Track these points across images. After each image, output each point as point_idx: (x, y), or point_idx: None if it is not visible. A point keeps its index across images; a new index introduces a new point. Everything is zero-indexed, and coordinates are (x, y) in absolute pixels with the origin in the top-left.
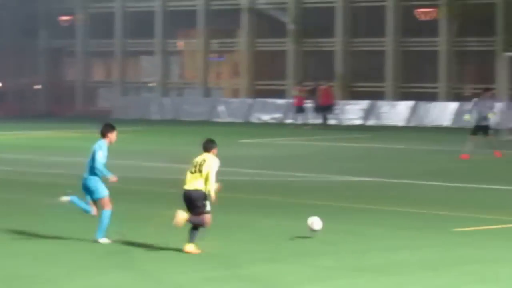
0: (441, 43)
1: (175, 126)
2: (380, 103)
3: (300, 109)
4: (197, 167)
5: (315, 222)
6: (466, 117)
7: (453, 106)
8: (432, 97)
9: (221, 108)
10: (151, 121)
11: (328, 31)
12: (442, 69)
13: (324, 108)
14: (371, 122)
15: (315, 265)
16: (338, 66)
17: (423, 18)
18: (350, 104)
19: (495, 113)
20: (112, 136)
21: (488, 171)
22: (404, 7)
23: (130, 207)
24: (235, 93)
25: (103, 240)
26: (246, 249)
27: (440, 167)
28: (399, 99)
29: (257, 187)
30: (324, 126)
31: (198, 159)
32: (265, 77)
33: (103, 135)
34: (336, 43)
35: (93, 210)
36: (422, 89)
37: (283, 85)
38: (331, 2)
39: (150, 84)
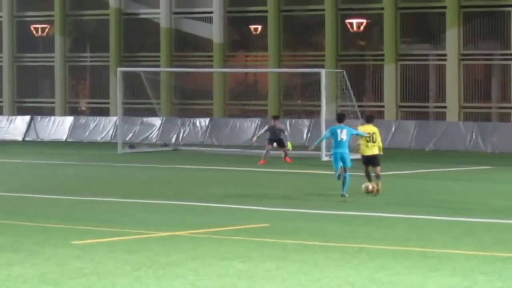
0: (56, 58)
1: None
2: None
3: None
4: (371, 138)
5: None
6: (254, 138)
7: (69, 120)
8: (50, 111)
9: None
10: None
11: None
12: (58, 84)
13: None
14: None
15: None
16: None
17: (38, 33)
18: None
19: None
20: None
21: (105, 183)
22: (19, 22)
23: None
24: None
25: (347, 195)
26: None
27: (58, 181)
28: (16, 114)
29: None
30: None
31: (369, 131)
32: None
33: (341, 120)
34: None
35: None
36: (39, 104)
37: None
38: None
39: None
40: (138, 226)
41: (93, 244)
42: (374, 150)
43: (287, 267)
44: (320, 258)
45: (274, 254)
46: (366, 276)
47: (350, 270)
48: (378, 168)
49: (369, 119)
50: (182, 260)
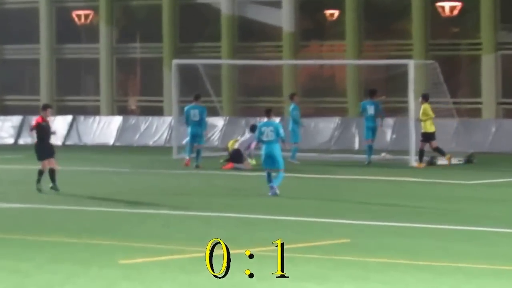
0: (102, 50)
1: None
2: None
3: None
4: None
5: None
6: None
7: (117, 121)
8: (95, 111)
9: None
10: None
11: None
12: (104, 80)
13: None
14: (23, 140)
15: None
16: None
17: (81, 21)
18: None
19: None
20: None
21: (158, 193)
22: (58, 9)
23: None
24: None
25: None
26: None
27: (105, 191)
28: (56, 114)
29: None
30: None
31: None
32: None
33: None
34: None
35: None
36: (82, 102)
37: None
38: None
39: None
40: (197, 242)
41: (144, 263)
42: None
43: None
44: (407, 279)
45: (354, 273)
46: None
47: None
48: None
49: None
50: (248, 282)
